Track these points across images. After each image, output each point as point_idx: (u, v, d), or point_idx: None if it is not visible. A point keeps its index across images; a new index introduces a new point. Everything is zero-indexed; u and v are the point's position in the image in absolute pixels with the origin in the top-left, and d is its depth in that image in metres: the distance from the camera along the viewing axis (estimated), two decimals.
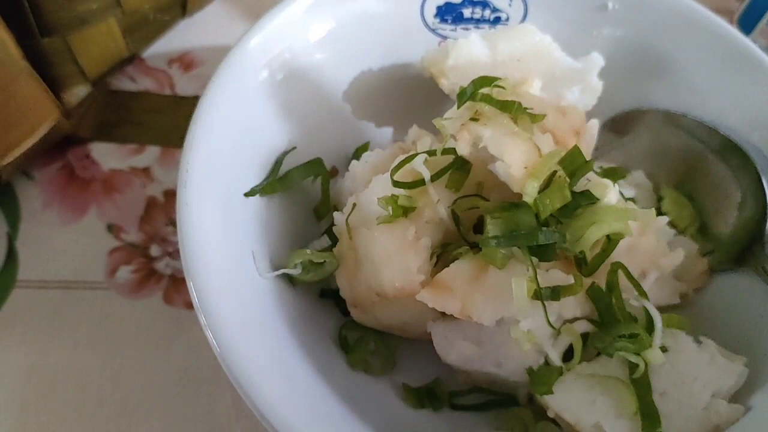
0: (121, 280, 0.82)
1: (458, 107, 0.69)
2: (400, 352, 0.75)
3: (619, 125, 0.86)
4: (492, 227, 0.60)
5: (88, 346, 0.77)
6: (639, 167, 0.84)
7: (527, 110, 0.66)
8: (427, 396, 0.72)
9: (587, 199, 0.63)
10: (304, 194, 0.78)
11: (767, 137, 0.78)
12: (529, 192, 0.62)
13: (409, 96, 0.85)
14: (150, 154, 0.90)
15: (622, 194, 0.71)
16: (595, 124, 0.76)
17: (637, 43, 0.84)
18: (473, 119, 0.66)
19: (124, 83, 0.95)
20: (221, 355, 0.57)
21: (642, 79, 0.84)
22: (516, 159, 0.63)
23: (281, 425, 0.56)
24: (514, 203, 0.62)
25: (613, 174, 0.76)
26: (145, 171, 0.89)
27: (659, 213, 0.79)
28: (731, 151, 0.78)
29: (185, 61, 0.98)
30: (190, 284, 0.60)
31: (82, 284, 0.81)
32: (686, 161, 0.82)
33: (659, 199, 0.82)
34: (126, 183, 0.88)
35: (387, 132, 0.87)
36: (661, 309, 0.71)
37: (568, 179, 0.64)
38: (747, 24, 0.99)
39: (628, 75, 0.84)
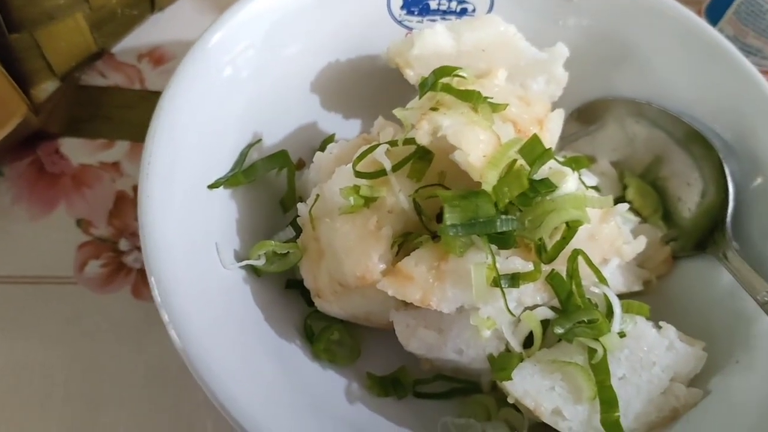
0: (90, 275, 0.82)
1: (420, 97, 0.69)
2: (365, 342, 0.76)
3: (585, 115, 0.87)
4: (450, 215, 0.61)
5: (56, 341, 0.78)
6: (605, 156, 0.85)
7: (488, 100, 0.67)
8: (391, 384, 0.73)
9: (546, 186, 0.63)
10: (271, 186, 0.79)
11: (731, 124, 0.79)
12: (488, 180, 0.62)
13: (376, 88, 0.85)
14: (119, 149, 0.90)
15: (583, 182, 0.72)
16: (560, 114, 0.77)
17: (602, 32, 0.85)
18: (433, 109, 0.67)
19: (93, 78, 0.95)
20: (184, 351, 0.58)
21: (608, 69, 0.85)
22: (475, 148, 0.63)
23: (243, 418, 0.56)
24: (473, 191, 0.62)
25: (576, 163, 0.76)
26: (115, 166, 0.89)
27: (624, 201, 0.80)
28: (694, 139, 0.79)
29: (155, 56, 0.98)
30: (151, 279, 0.60)
31: (51, 279, 0.81)
32: (651, 150, 0.83)
33: (624, 187, 0.83)
34: (95, 178, 0.88)
35: (355, 124, 0.87)
36: (625, 296, 0.72)
37: (527, 167, 0.65)
38: (714, 14, 1.00)
39: (594, 65, 0.85)
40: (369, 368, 0.74)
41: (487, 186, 0.62)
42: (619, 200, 0.76)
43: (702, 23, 0.82)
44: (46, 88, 0.85)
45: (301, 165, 0.82)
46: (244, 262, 0.69)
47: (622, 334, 0.66)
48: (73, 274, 0.82)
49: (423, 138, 0.65)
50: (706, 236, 0.76)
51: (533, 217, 0.63)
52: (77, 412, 0.74)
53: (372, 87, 0.85)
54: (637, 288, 0.76)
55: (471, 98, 0.66)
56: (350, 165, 0.68)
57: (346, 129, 0.86)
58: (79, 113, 0.92)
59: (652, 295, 0.77)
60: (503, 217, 0.62)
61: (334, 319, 0.73)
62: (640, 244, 0.73)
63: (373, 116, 0.79)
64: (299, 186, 0.79)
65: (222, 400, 0.56)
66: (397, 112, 0.68)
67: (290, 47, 0.80)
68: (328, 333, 0.73)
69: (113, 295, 0.81)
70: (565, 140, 0.87)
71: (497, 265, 0.62)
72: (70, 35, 0.85)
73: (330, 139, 0.81)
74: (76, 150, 0.90)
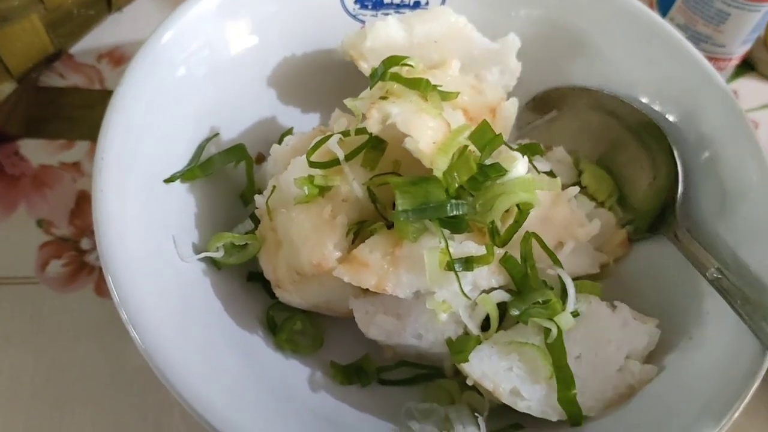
0: (52, 274, 0.82)
1: (371, 87, 0.70)
2: (329, 331, 0.77)
3: (540, 104, 0.88)
4: (401, 201, 0.62)
5: (20, 341, 0.77)
6: (561, 144, 0.86)
7: (437, 87, 0.68)
8: (355, 372, 0.74)
9: (495, 171, 0.64)
10: (232, 180, 0.79)
11: (678, 106, 0.81)
12: (438, 166, 0.63)
13: (333, 81, 0.85)
14: (80, 149, 0.90)
15: (535, 168, 0.73)
16: (513, 103, 0.78)
17: (554, 22, 0.86)
18: (383, 98, 0.68)
19: (52, 79, 0.95)
20: (145, 349, 0.58)
21: (561, 58, 0.87)
22: (424, 135, 0.64)
23: (208, 414, 0.57)
24: (423, 177, 0.63)
25: (529, 149, 0.78)
26: (75, 165, 0.89)
27: (579, 185, 0.82)
28: (645, 125, 0.81)
29: (115, 56, 0.98)
30: (108, 277, 0.60)
31: (12, 280, 0.81)
32: (605, 136, 0.84)
33: (580, 173, 0.85)
34: (56, 178, 0.88)
35: (314, 117, 0.88)
36: (581, 278, 0.74)
37: (478, 153, 0.66)
38: (665, 2, 1.01)
39: (547, 54, 0.86)
40: (333, 357, 0.75)
41: (438, 172, 0.63)
42: (575, 186, 0.77)
43: (648, 11, 0.84)
44: (3, 89, 0.85)
45: (261, 159, 0.82)
46: (202, 254, 0.70)
47: (576, 314, 0.67)
48: (34, 274, 0.82)
49: (373, 126, 0.66)
50: (659, 218, 0.77)
51: (484, 201, 0.64)
52: (44, 412, 0.74)
53: (329, 80, 0.86)
54: (593, 271, 0.77)
55: (419, 86, 0.67)
56: (305, 156, 0.69)
57: (305, 122, 0.86)
58: (38, 114, 0.92)
59: (609, 277, 0.78)
60: (453, 201, 0.63)
61: (297, 309, 0.73)
62: (595, 227, 0.74)
63: (331, 109, 0.80)
64: (258, 179, 0.79)
65: (186, 397, 0.57)
66: (348, 102, 0.69)
67: (246, 42, 0.81)
68: (290, 323, 0.73)
69: (76, 293, 0.81)
70: (522, 130, 0.88)
71: (450, 249, 0.63)
72: (26, 36, 0.85)
73: (288, 132, 0.82)
74: (35, 151, 0.90)
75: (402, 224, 0.62)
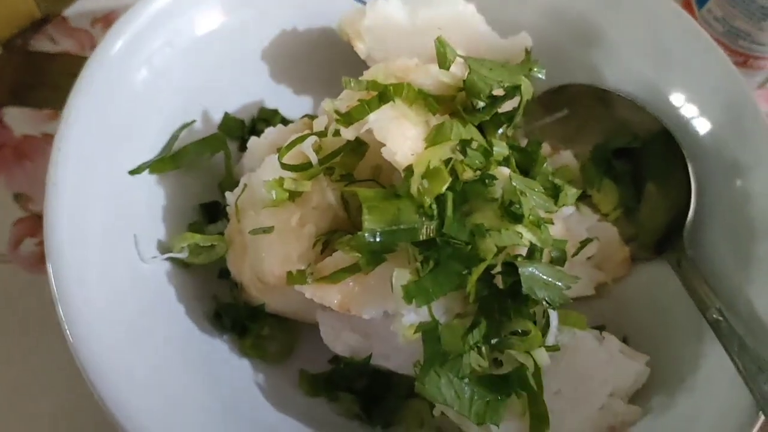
0: (25, 253, 0.79)
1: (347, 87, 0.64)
2: (301, 337, 0.72)
3: (551, 100, 0.81)
4: (369, 218, 0.56)
5: None
6: (569, 145, 0.80)
7: (422, 90, 0.62)
8: (323, 384, 0.69)
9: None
10: (210, 171, 0.75)
11: (701, 116, 0.74)
12: (413, 181, 0.58)
13: (329, 63, 0.80)
14: None
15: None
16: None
17: (566, 14, 0.79)
18: (363, 100, 0.62)
19: (42, 44, 0.91)
20: (75, 350, 0.55)
21: (572, 52, 0.79)
22: (402, 145, 0.59)
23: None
24: (395, 193, 0.58)
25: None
26: None
27: (584, 194, 0.75)
28: (660, 133, 0.74)
29: (110, 21, 0.93)
30: (49, 268, 0.57)
31: None
32: (615, 142, 0.77)
33: (585, 180, 0.78)
34: (38, 150, 0.85)
35: (306, 102, 0.83)
36: (575, 300, 0.68)
37: (464, 166, 0.60)
38: None
39: (558, 48, 0.79)
40: (302, 365, 0.71)
41: (412, 187, 0.57)
42: (580, 194, 0.71)
43: (671, 3, 0.76)
44: None
45: (245, 147, 0.78)
46: (166, 255, 0.66)
47: (555, 348, 0.61)
48: (7, 251, 0.79)
49: (348, 133, 0.60)
50: (665, 238, 0.71)
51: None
52: (6, 397, 0.72)
53: (325, 62, 0.81)
54: (588, 293, 0.71)
55: (400, 93, 0.61)
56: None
57: (295, 106, 0.81)
58: (24, 81, 0.88)
59: (604, 299, 0.73)
60: (426, 223, 0.57)
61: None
62: (591, 248, 0.69)
63: (325, 93, 0.74)
64: (240, 169, 0.75)
65: (112, 408, 0.54)
66: (326, 105, 0.63)
67: (234, 14, 0.76)
68: (257, 328, 0.69)
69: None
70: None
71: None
72: (11, 2, 0.81)
73: (269, 112, 0.76)
74: (19, 120, 0.86)
75: (362, 246, 0.57)
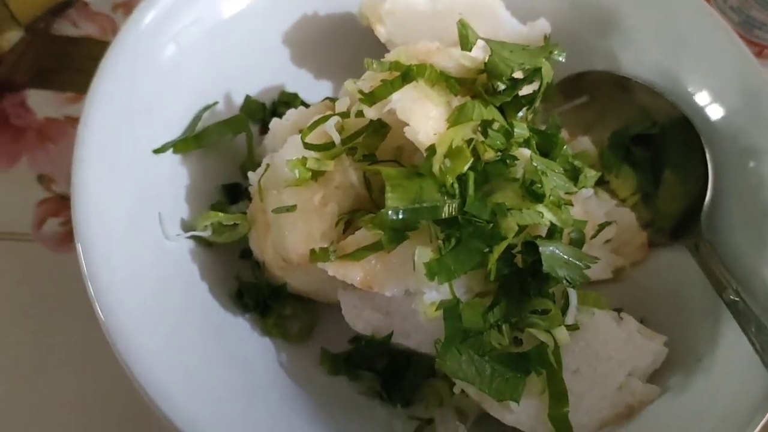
0: (48, 233, 0.80)
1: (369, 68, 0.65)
2: (322, 317, 0.73)
3: (571, 86, 0.82)
4: (392, 196, 0.57)
5: (8, 299, 0.76)
6: (587, 131, 0.80)
7: (444, 73, 0.63)
8: (343, 363, 0.70)
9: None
10: (232, 153, 0.76)
11: (719, 104, 0.74)
12: (435, 160, 0.58)
13: (350, 47, 0.80)
14: None
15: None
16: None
17: (584, 1, 0.80)
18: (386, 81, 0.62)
19: (65, 28, 0.92)
20: (105, 325, 0.56)
21: (590, 39, 0.80)
22: (424, 125, 0.59)
23: (162, 401, 0.55)
24: (418, 171, 0.58)
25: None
26: None
27: (602, 180, 0.76)
28: (678, 119, 0.74)
29: (131, 6, 0.94)
30: (78, 247, 0.58)
31: (7, 235, 0.79)
32: (634, 128, 0.78)
33: (603, 165, 0.78)
34: (61, 133, 0.86)
35: (326, 86, 0.83)
36: (593, 284, 0.69)
37: (486, 147, 0.61)
38: None
39: (576, 34, 0.79)
40: (323, 343, 0.72)
41: (434, 166, 0.58)
42: (598, 180, 0.72)
43: None
44: (9, 38, 0.83)
45: (266, 129, 0.78)
46: (189, 233, 0.67)
47: (575, 327, 0.62)
48: (30, 231, 0.80)
49: (371, 113, 0.61)
50: (682, 223, 0.71)
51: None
52: (27, 372, 0.73)
53: (346, 46, 0.81)
54: (606, 276, 0.72)
55: (422, 73, 0.61)
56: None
57: (315, 91, 0.82)
58: (47, 64, 0.89)
59: (622, 283, 0.73)
60: (449, 201, 0.58)
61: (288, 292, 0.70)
62: (610, 232, 0.70)
63: (346, 76, 0.74)
64: (262, 151, 0.75)
65: (141, 381, 0.54)
66: (348, 84, 0.64)
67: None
68: (279, 307, 0.70)
69: (70, 254, 0.78)
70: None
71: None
72: None
73: (289, 96, 0.77)
74: (42, 103, 0.87)
75: (384, 223, 0.58)
